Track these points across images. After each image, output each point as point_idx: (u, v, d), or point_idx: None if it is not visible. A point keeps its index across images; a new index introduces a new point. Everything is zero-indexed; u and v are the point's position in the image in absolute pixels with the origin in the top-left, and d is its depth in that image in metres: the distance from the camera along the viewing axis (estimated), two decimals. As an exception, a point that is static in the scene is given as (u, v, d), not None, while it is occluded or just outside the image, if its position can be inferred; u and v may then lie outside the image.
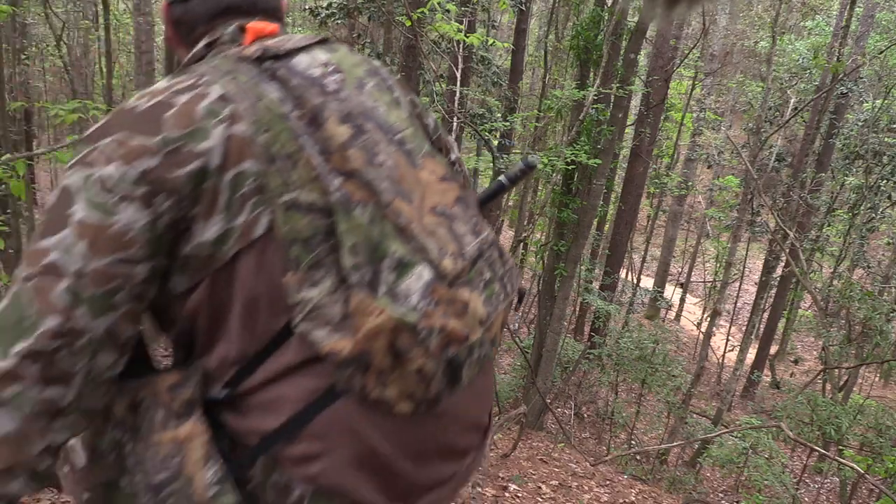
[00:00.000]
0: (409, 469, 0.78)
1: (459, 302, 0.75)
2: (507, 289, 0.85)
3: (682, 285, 18.02)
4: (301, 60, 0.80)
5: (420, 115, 0.94)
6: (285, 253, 0.71)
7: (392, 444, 0.75)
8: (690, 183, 15.85)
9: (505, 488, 3.42)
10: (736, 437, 6.76)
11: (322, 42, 0.85)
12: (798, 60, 12.70)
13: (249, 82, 0.75)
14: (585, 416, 10.29)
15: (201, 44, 0.84)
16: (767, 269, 11.89)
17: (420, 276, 0.72)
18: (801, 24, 15.03)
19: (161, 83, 0.75)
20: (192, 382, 0.73)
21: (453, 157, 1.05)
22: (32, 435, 0.65)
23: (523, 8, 10.93)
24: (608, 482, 4.18)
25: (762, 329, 13.07)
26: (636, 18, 7.35)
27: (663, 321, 15.51)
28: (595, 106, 6.57)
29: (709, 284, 17.02)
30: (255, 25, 0.83)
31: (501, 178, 1.06)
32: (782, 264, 11.69)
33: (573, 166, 6.81)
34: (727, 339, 14.47)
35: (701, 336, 13.77)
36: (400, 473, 0.77)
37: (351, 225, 0.70)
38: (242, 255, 0.71)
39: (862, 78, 11.27)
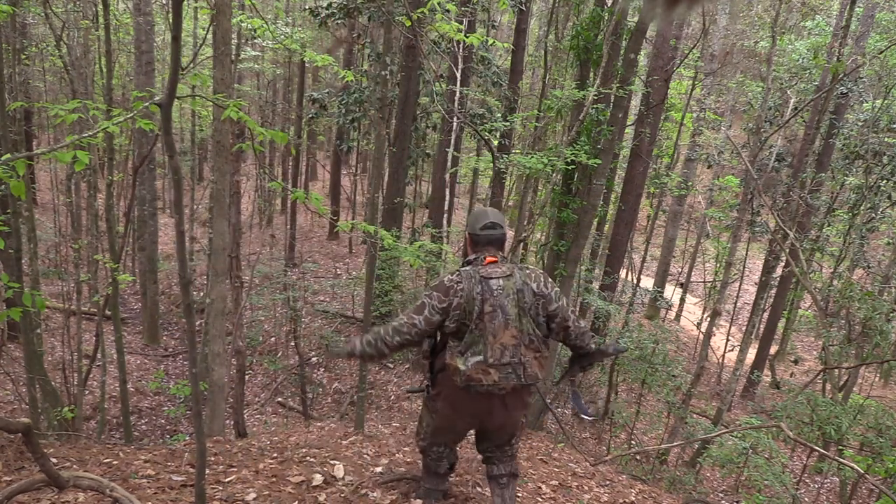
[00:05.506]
0: (458, 415, 2.71)
1: (487, 371, 2.46)
2: (520, 378, 2.48)
3: (682, 285, 18.02)
4: (493, 281, 2.50)
5: (527, 307, 2.51)
6: (450, 332, 2.56)
7: (456, 395, 2.61)
8: (690, 183, 15.84)
9: (505, 488, 3.41)
10: (736, 437, 6.75)
11: (508, 275, 2.52)
12: (798, 60, 12.70)
13: (474, 283, 2.49)
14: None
15: (472, 256, 2.63)
16: (767, 269, 11.87)
17: (477, 359, 2.46)
18: (801, 24, 15.02)
19: (455, 274, 2.57)
20: (428, 365, 2.81)
21: (540, 311, 2.61)
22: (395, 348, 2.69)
23: (523, 8, 10.93)
24: (608, 482, 4.18)
25: (762, 329, 13.06)
26: (636, 18, 7.36)
27: (663, 321, 15.51)
28: (595, 106, 6.57)
29: (709, 284, 17.02)
30: (490, 257, 2.58)
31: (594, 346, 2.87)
32: (782, 264, 11.69)
33: (573, 166, 6.81)
34: (727, 339, 14.47)
35: (701, 336, 13.77)
36: (458, 413, 2.69)
37: (470, 336, 2.48)
38: (448, 333, 2.59)
39: (862, 78, 11.27)
